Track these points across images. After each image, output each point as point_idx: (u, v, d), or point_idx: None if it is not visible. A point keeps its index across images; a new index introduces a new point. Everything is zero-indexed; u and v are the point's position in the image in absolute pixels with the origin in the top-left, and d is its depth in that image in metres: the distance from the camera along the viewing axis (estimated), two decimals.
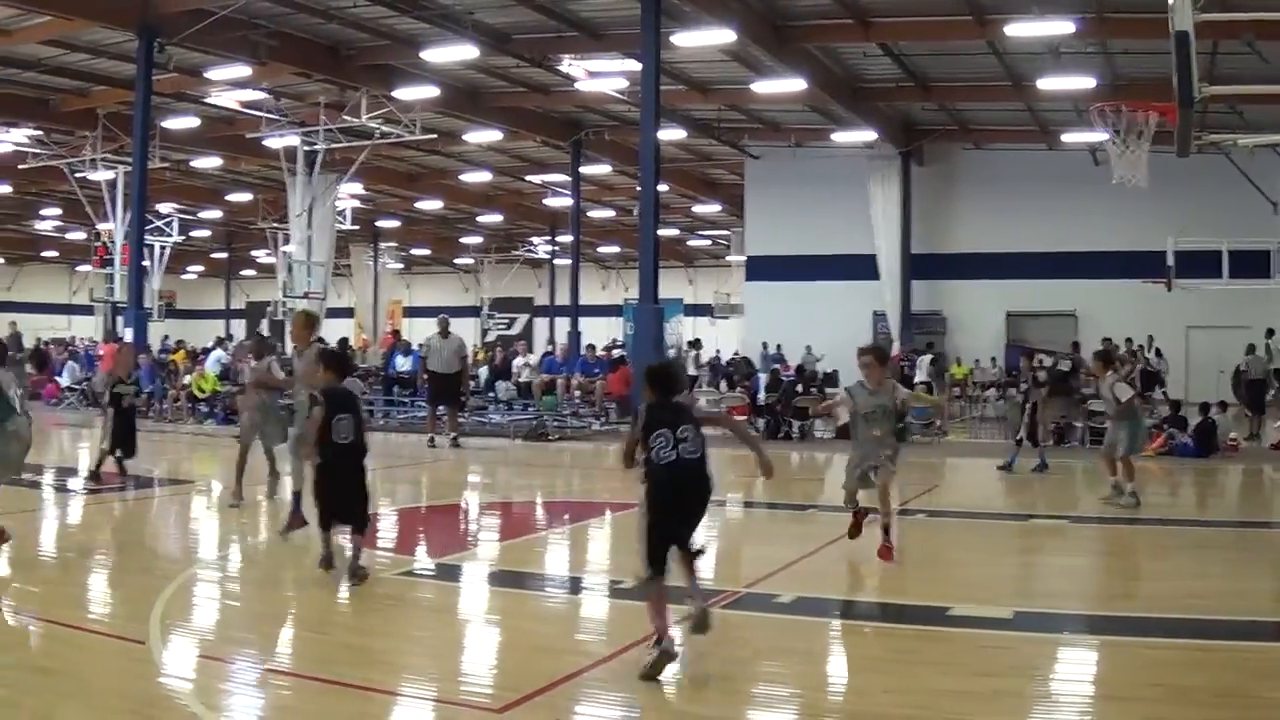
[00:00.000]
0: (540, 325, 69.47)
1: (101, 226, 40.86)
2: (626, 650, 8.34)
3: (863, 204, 40.86)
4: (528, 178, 50.64)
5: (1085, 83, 29.83)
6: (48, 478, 19.15)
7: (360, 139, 36.90)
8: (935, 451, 24.98)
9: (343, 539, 10.50)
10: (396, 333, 44.07)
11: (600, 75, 32.31)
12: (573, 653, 8.50)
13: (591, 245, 65.31)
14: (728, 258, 61.15)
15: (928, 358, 34.87)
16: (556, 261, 63.35)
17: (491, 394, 30.05)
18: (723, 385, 39.23)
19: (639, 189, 30.21)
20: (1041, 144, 38.94)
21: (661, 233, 33.48)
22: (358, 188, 46.33)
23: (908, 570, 11.44)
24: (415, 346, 30.85)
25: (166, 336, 46.11)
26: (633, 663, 7.94)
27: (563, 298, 56.53)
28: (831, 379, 32.94)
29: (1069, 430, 25.28)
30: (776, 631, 9.34)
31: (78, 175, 39.61)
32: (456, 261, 77.30)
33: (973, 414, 34.45)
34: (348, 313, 62.35)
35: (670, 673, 7.67)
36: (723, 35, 28.20)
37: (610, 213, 58.51)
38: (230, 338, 47.35)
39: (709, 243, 69.67)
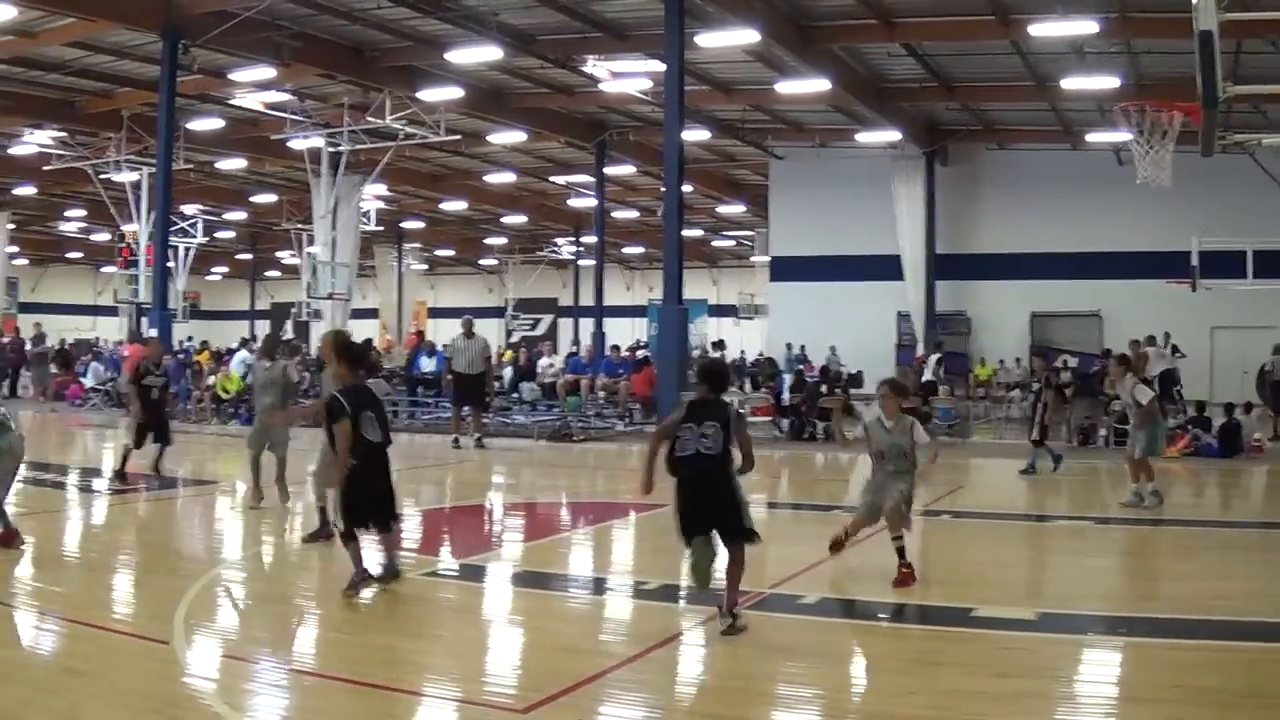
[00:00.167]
0: (565, 326, 69.38)
1: (126, 228, 40.95)
2: (651, 651, 8.35)
3: (887, 204, 40.87)
4: (552, 178, 50.68)
5: (1109, 82, 29.74)
6: (72, 478, 19.28)
7: (384, 140, 36.98)
8: (960, 452, 24.91)
9: (373, 547, 10.30)
10: (421, 334, 44.16)
11: (624, 76, 32.32)
12: (597, 653, 8.49)
13: (616, 246, 65.39)
14: (752, 258, 61.02)
15: (935, 357, 34.89)
16: (581, 262, 63.37)
17: (516, 395, 30.04)
18: (747, 386, 39.17)
19: (663, 190, 30.25)
20: (1065, 144, 38.89)
21: (686, 233, 33.52)
22: (382, 189, 46.41)
23: (931, 572, 11.40)
24: (440, 347, 30.84)
25: (190, 338, 46.21)
26: (657, 663, 7.95)
27: (587, 298, 56.64)
28: (856, 380, 32.93)
29: (1093, 431, 25.19)
30: (800, 632, 9.32)
31: (102, 177, 39.79)
32: (481, 262, 77.46)
33: (997, 415, 34.35)
34: (372, 314, 62.49)
35: (694, 674, 7.67)
36: (746, 35, 28.20)
37: (634, 213, 58.55)
38: (254, 339, 47.46)
39: (733, 243, 69.76)
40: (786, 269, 44.92)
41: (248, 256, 74.98)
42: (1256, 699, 7.49)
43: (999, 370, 40.32)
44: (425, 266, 75.63)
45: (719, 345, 47.52)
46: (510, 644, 9.19)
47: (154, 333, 30.30)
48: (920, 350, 37.25)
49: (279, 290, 77.77)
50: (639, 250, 69.84)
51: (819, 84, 32.12)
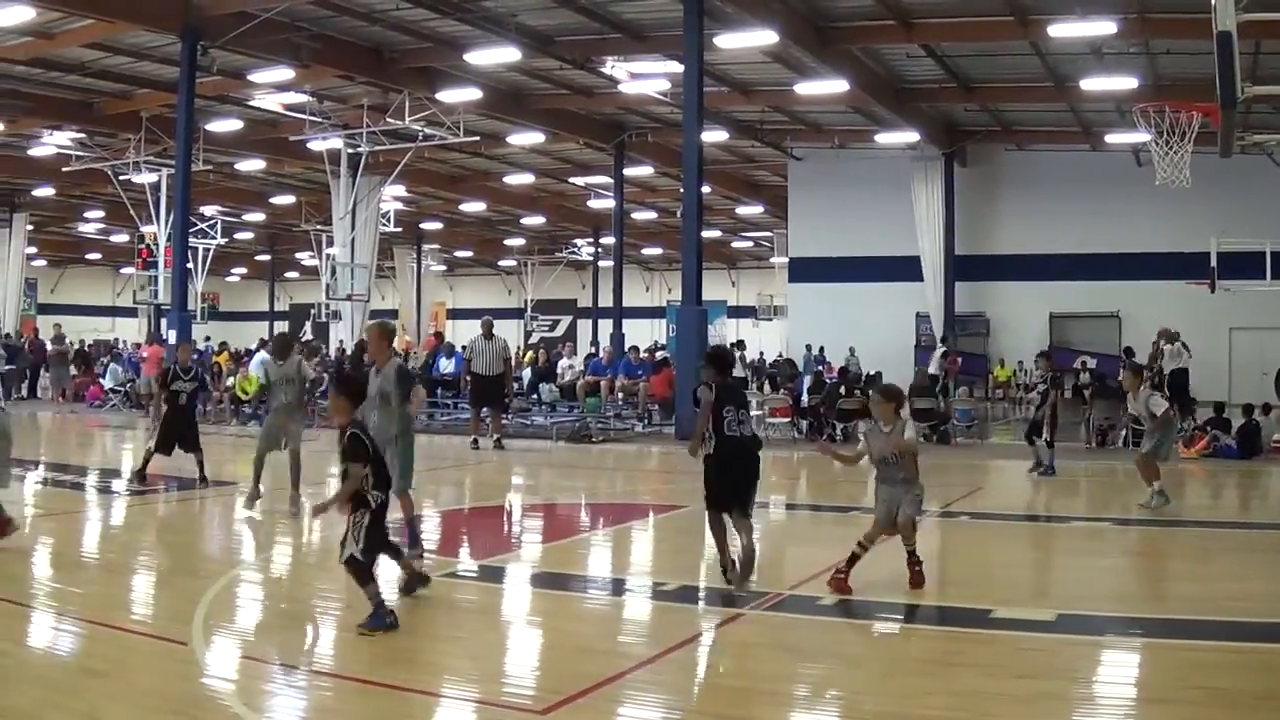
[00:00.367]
0: (583, 327, 69.47)
1: (145, 229, 41.09)
2: (669, 652, 8.36)
3: (906, 205, 40.81)
4: (571, 180, 50.65)
5: (1127, 83, 29.68)
6: (91, 479, 19.33)
7: (403, 141, 37.02)
8: (978, 453, 24.88)
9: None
10: (440, 334, 44.16)
11: (643, 77, 32.29)
12: (615, 654, 8.50)
13: (635, 247, 65.39)
14: (771, 259, 61.05)
15: (939, 350, 34.84)
16: (600, 263, 63.39)
17: (535, 396, 30.05)
18: (765, 387, 39.13)
19: (682, 191, 30.21)
20: (1084, 145, 38.81)
21: (705, 234, 33.49)
22: (401, 190, 46.52)
23: (950, 573, 11.40)
24: (459, 349, 30.85)
25: (209, 338, 46.36)
26: (676, 664, 7.95)
27: (606, 299, 56.65)
28: (875, 381, 32.88)
29: (1111, 432, 25.13)
30: (819, 634, 9.34)
31: (121, 178, 39.89)
32: (500, 263, 77.49)
33: (1016, 416, 34.28)
34: (391, 314, 62.54)
35: (712, 675, 7.67)
36: (765, 37, 28.18)
37: (653, 214, 58.50)
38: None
39: (752, 244, 69.70)
40: (805, 270, 44.84)
41: (266, 258, 75.11)
42: (1274, 700, 7.49)
43: (1018, 371, 40.26)
44: (444, 267, 75.76)
45: (739, 345, 47.53)
46: (529, 645, 9.21)
47: (172, 337, 30.31)
48: (938, 351, 37.19)
49: (298, 291, 78.01)
50: (658, 251, 69.74)
51: (838, 85, 32.08)
